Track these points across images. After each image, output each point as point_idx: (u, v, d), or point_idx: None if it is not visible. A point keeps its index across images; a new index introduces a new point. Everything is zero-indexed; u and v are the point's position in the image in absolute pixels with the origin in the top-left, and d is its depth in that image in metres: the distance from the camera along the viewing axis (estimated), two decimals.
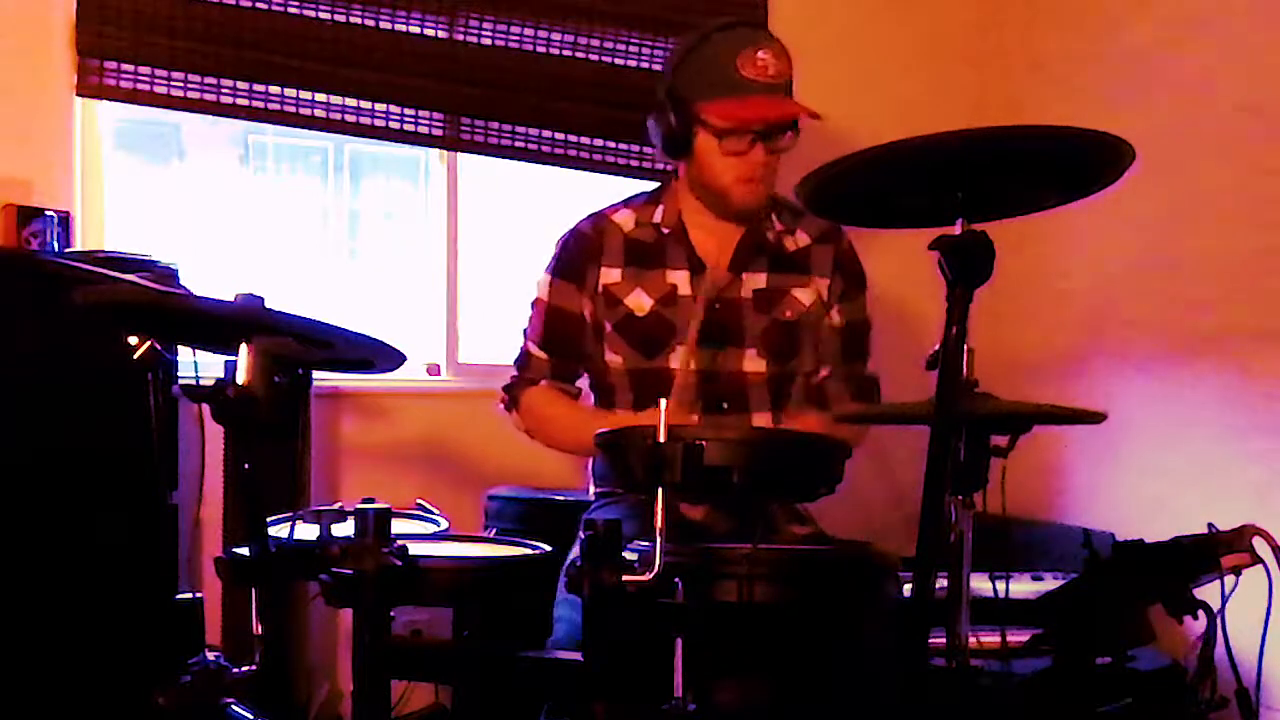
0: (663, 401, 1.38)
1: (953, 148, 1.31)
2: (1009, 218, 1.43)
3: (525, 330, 2.32)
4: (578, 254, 2.26)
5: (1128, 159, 1.34)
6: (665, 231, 2.25)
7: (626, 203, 2.32)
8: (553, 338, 2.28)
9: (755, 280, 2.24)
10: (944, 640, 1.51)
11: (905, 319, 3.17)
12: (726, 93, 2.07)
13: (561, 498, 2.65)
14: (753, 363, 2.22)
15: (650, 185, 2.41)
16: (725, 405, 2.20)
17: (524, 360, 2.32)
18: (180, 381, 1.88)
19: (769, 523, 2.10)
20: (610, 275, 2.24)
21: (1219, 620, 1.52)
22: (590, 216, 2.30)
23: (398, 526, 1.61)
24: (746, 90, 2.07)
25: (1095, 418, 1.64)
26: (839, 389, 2.31)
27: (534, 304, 2.31)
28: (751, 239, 2.25)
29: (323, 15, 2.96)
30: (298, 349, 1.57)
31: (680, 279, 2.23)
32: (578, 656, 1.42)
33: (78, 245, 2.68)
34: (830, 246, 2.29)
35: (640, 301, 2.22)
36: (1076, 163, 1.38)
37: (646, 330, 2.21)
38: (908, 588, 1.37)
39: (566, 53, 3.21)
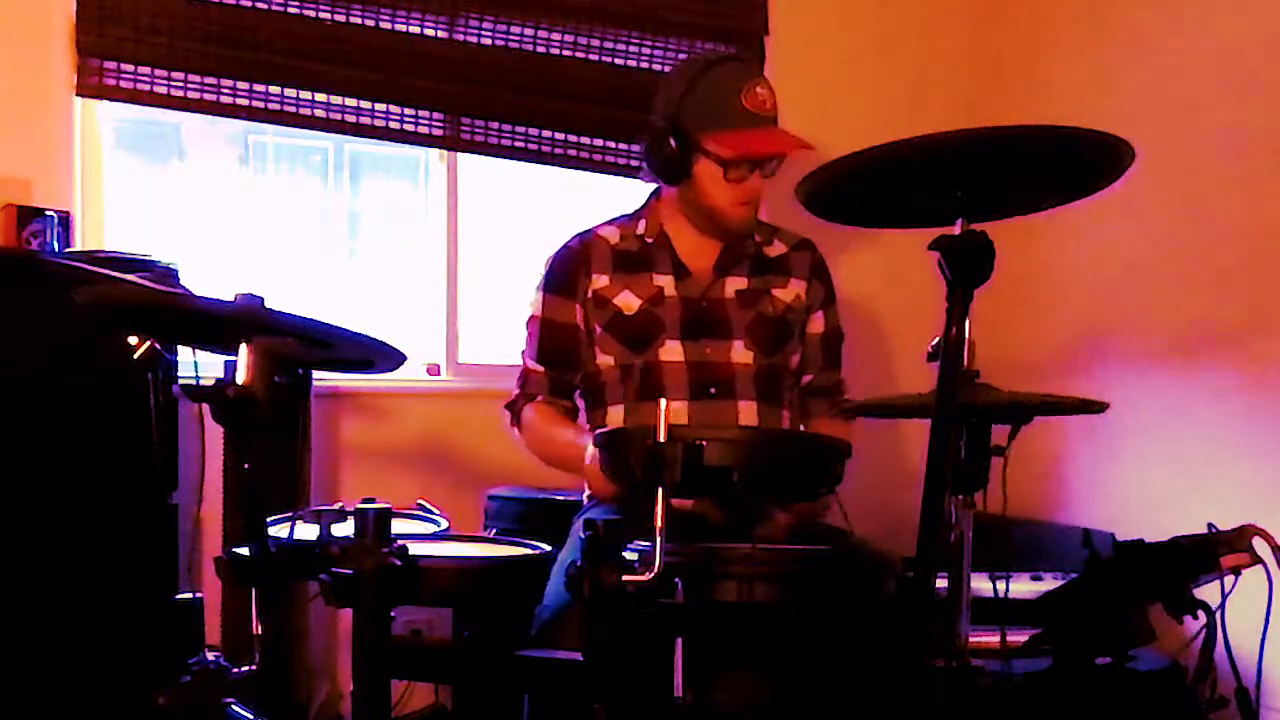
0: (663, 401, 1.38)
1: (953, 148, 1.31)
2: (1009, 218, 1.43)
3: (523, 350, 2.38)
4: (567, 267, 2.34)
5: (1128, 159, 1.34)
6: (649, 241, 2.34)
7: (610, 222, 2.41)
8: (549, 351, 2.34)
9: (737, 282, 2.34)
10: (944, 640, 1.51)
11: (903, 320, 3.17)
12: (733, 125, 2.19)
13: (561, 498, 2.65)
14: (740, 354, 2.28)
15: (650, 185, 2.43)
16: (713, 390, 2.25)
17: (523, 377, 2.38)
18: (180, 381, 1.88)
19: (759, 511, 2.12)
20: (599, 281, 2.32)
21: (1219, 620, 1.52)
22: (576, 235, 2.39)
23: (398, 526, 1.61)
24: (751, 123, 2.19)
25: (1096, 407, 1.65)
26: (820, 400, 2.40)
27: (529, 322, 2.37)
28: (733, 247, 2.35)
29: (323, 15, 2.96)
30: (298, 349, 1.57)
31: (666, 282, 2.32)
32: (578, 656, 1.42)
33: (78, 245, 2.69)
34: (806, 254, 2.41)
35: (629, 301, 2.30)
36: (1076, 163, 1.38)
37: (635, 326, 2.28)
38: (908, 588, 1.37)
39: (566, 53, 3.21)
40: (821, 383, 2.40)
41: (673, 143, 2.22)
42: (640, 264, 2.32)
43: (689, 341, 2.27)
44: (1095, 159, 1.36)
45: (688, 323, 2.28)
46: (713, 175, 2.22)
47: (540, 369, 2.34)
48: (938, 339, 1.35)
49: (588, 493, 2.36)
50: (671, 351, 2.26)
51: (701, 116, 2.20)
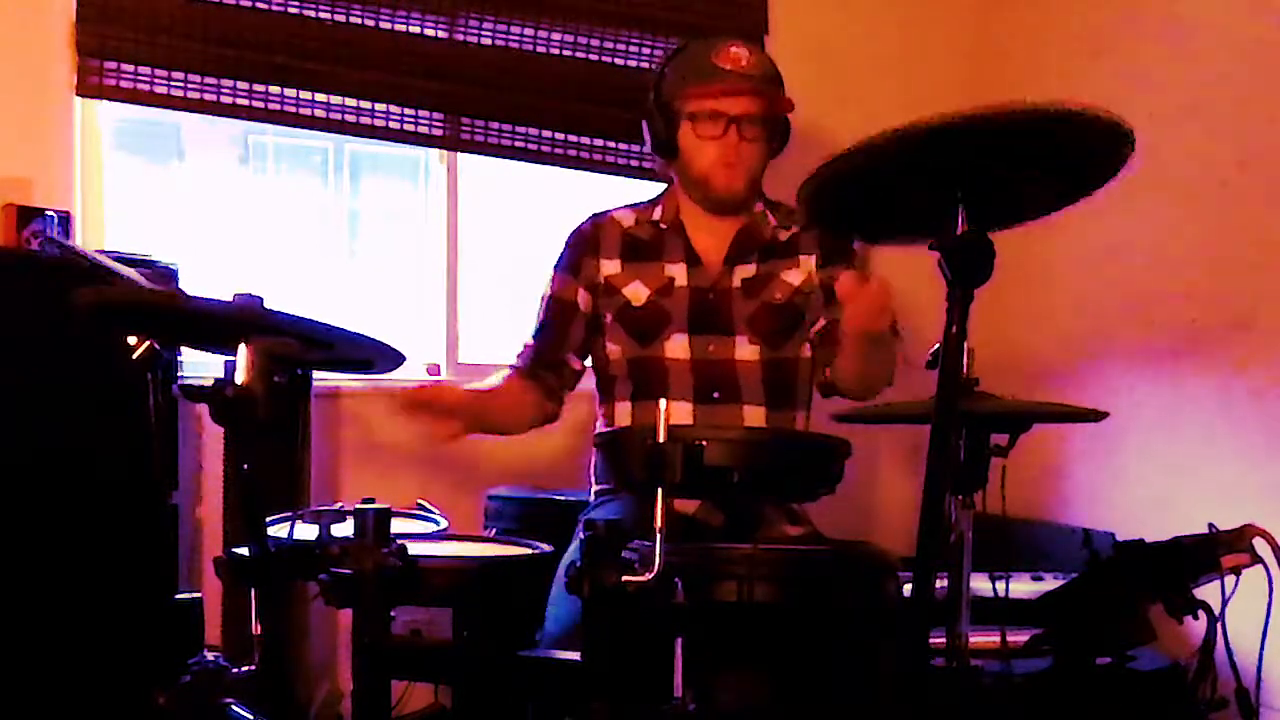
0: (663, 401, 1.38)
1: (953, 130, 1.29)
2: (1008, 218, 1.43)
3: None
4: (576, 248, 2.34)
5: (1127, 144, 1.32)
6: (664, 228, 2.31)
7: (629, 205, 2.39)
8: (544, 325, 2.33)
9: (745, 270, 2.30)
10: (944, 640, 1.51)
11: (904, 320, 3.17)
12: (701, 80, 2.19)
13: (561, 498, 2.65)
14: (744, 350, 2.25)
15: (650, 185, 2.44)
16: (716, 395, 2.23)
17: (519, 349, 2.35)
18: (180, 381, 1.88)
19: (762, 519, 2.12)
20: (610, 267, 2.30)
21: (1219, 620, 1.52)
22: (591, 216, 2.37)
23: (398, 526, 1.61)
24: (720, 76, 2.18)
25: (1095, 416, 1.65)
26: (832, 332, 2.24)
27: (540, 299, 2.36)
28: (746, 234, 2.30)
29: (323, 15, 2.96)
30: (298, 349, 1.57)
31: (678, 272, 2.28)
32: (577, 656, 1.42)
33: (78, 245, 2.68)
34: (816, 229, 2.32)
35: (637, 291, 2.27)
36: (1076, 149, 1.36)
37: (642, 319, 2.26)
38: (908, 588, 1.37)
39: (566, 53, 3.21)
40: (829, 321, 2.24)
41: (658, 117, 2.23)
42: (652, 252, 2.30)
43: (694, 336, 2.24)
44: (1094, 145, 1.34)
45: (694, 316, 2.25)
46: (689, 136, 2.21)
47: (531, 343, 2.33)
48: (936, 346, 1.35)
49: (593, 490, 2.36)
50: (677, 347, 2.23)
51: (677, 82, 2.22)
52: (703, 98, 2.18)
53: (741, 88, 2.18)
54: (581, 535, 1.38)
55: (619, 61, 3.25)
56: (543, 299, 2.35)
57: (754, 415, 2.23)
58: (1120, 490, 3.04)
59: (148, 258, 2.51)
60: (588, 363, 2.36)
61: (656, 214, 2.33)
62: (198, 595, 2.41)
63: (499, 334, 3.31)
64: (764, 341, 2.25)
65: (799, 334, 2.28)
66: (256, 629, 1.62)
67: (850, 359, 2.12)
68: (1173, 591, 1.55)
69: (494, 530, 2.71)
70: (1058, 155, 1.38)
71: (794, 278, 2.29)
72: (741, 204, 2.29)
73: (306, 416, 2.65)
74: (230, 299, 1.55)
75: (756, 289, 2.27)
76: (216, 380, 1.53)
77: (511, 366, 2.32)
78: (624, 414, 2.27)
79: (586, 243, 2.32)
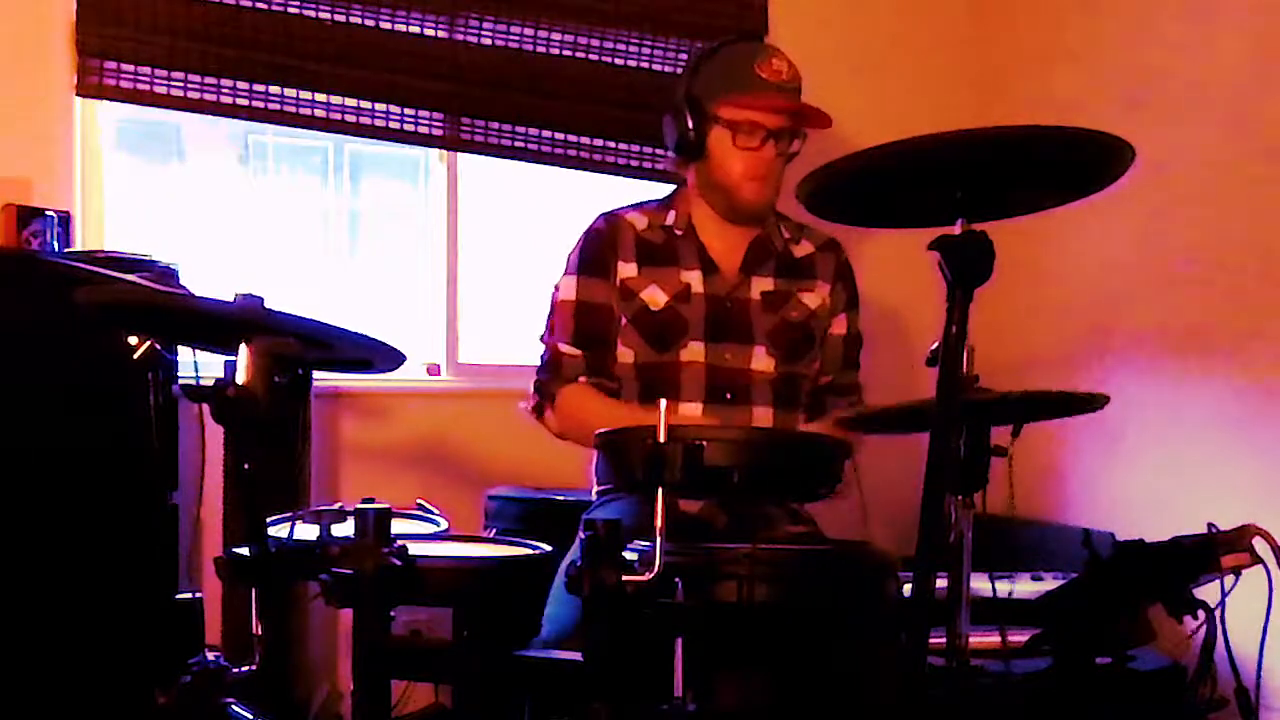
0: (663, 401, 1.38)
1: (953, 147, 1.31)
2: (1009, 218, 1.43)
3: (545, 335, 2.30)
4: (600, 248, 2.28)
5: (1128, 159, 1.34)
6: (678, 234, 2.30)
7: (637, 206, 2.36)
8: (585, 333, 2.26)
9: (764, 283, 2.30)
10: (944, 640, 1.51)
11: (904, 321, 3.17)
12: (743, 90, 2.16)
13: (561, 498, 2.65)
14: (760, 360, 2.26)
15: (651, 185, 2.44)
16: (729, 396, 2.23)
17: (554, 361, 2.27)
18: (180, 381, 1.88)
19: (765, 519, 2.12)
20: (626, 269, 2.27)
21: (1219, 620, 1.52)
22: (602, 215, 2.34)
23: (398, 526, 1.61)
24: (763, 88, 2.16)
25: (1097, 402, 1.65)
26: (836, 398, 2.37)
27: (557, 307, 2.29)
28: (760, 244, 2.31)
29: (323, 15, 2.96)
30: (298, 349, 1.57)
31: (694, 278, 2.27)
32: (578, 656, 1.42)
33: (78, 245, 2.69)
34: (831, 255, 2.37)
35: (655, 296, 2.25)
36: (1076, 163, 1.38)
37: (660, 324, 2.25)
38: (908, 588, 1.37)
39: (566, 53, 3.21)
40: (839, 383, 2.37)
41: (688, 116, 2.20)
42: (667, 257, 2.27)
43: (711, 344, 2.23)
44: (1095, 159, 1.36)
45: (711, 324, 2.24)
46: (724, 144, 2.18)
47: (577, 352, 2.25)
48: (936, 344, 1.35)
49: (596, 490, 2.35)
50: (693, 353, 2.23)
51: (715, 86, 2.18)
52: (744, 108, 2.16)
53: (785, 105, 2.17)
54: (582, 535, 1.38)
55: (619, 61, 3.26)
56: (568, 304, 2.27)
57: (763, 415, 2.24)
58: (1120, 490, 3.04)
59: (148, 258, 2.51)
60: None
61: (669, 218, 2.30)
62: (198, 595, 2.40)
63: (499, 334, 3.31)
64: (780, 355, 2.26)
65: (811, 352, 2.31)
66: (256, 629, 1.62)
67: None
68: (1173, 591, 1.55)
69: (494, 530, 2.71)
70: (1059, 166, 1.38)
71: (811, 300, 2.32)
72: (764, 215, 2.29)
73: (306, 416, 2.65)
74: (231, 299, 1.55)
75: (776, 304, 2.29)
76: (217, 380, 1.53)
77: (569, 380, 2.24)
78: None
79: (608, 242, 2.28)
